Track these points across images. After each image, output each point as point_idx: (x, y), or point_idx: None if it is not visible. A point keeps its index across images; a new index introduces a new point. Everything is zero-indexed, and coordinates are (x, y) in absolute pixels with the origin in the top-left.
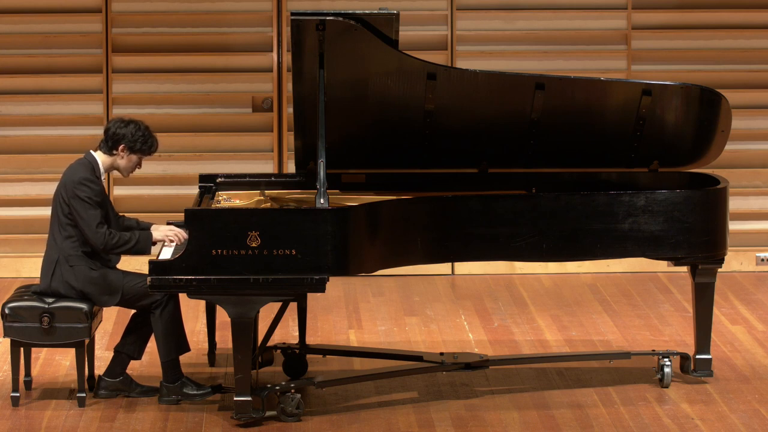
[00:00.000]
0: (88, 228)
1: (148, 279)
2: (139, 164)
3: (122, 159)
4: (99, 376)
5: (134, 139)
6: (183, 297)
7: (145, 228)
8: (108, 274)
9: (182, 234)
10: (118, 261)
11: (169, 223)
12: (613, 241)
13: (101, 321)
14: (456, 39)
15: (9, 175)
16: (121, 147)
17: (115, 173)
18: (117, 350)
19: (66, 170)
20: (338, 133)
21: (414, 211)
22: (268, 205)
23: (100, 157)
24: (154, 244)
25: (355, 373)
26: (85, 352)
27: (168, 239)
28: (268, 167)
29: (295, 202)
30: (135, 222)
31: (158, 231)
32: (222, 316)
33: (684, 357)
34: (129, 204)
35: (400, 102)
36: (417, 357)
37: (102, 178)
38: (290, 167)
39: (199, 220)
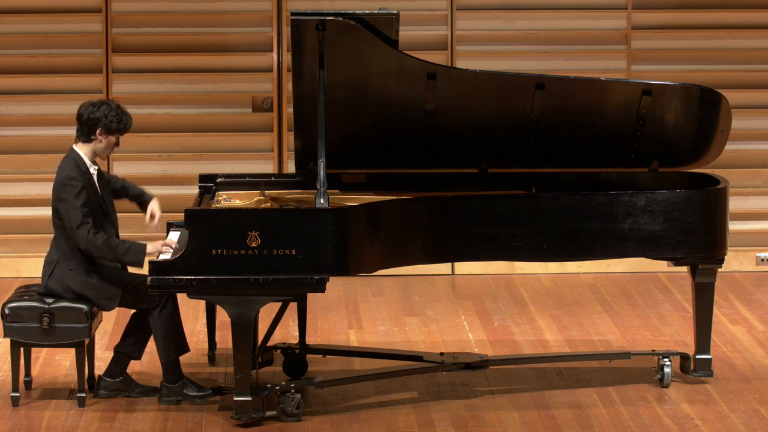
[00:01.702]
0: (70, 229)
1: (148, 279)
2: (117, 143)
3: (101, 143)
4: (99, 376)
5: (109, 120)
6: (183, 297)
7: (148, 200)
8: (107, 278)
9: (175, 244)
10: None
11: (169, 224)
12: (613, 241)
13: (101, 321)
14: (456, 39)
15: (9, 175)
16: (98, 131)
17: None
18: (117, 350)
19: (57, 170)
20: (338, 133)
21: (414, 211)
22: (268, 205)
23: (82, 149)
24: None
25: (355, 373)
26: (85, 352)
27: (161, 252)
28: (268, 167)
29: (295, 202)
30: (140, 191)
31: (152, 244)
32: (222, 316)
33: (684, 357)
34: (129, 204)
35: (400, 102)
36: (417, 357)
37: (92, 170)
38: (290, 167)
39: (199, 220)
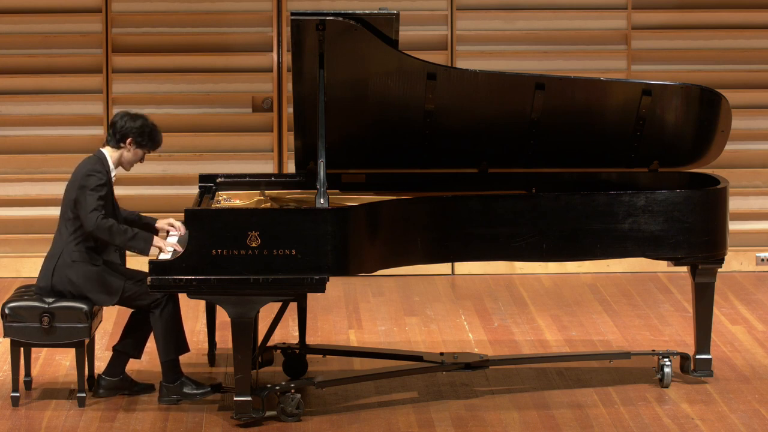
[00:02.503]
0: (83, 211)
1: (148, 279)
2: (142, 158)
3: (129, 152)
4: (98, 375)
5: (142, 133)
6: (183, 297)
7: (149, 223)
8: (109, 273)
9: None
10: (116, 259)
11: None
12: (613, 241)
13: (101, 321)
14: (456, 39)
15: (9, 175)
16: (129, 140)
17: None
18: (116, 349)
19: (76, 167)
20: (338, 133)
21: (414, 211)
22: (268, 205)
23: (109, 152)
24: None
25: (355, 373)
26: (85, 352)
27: (164, 250)
28: (268, 167)
29: (295, 202)
30: (136, 216)
31: (159, 239)
32: (222, 316)
33: (684, 357)
34: (129, 204)
35: (400, 102)
36: (417, 357)
37: (113, 174)
38: (290, 167)
39: (199, 220)
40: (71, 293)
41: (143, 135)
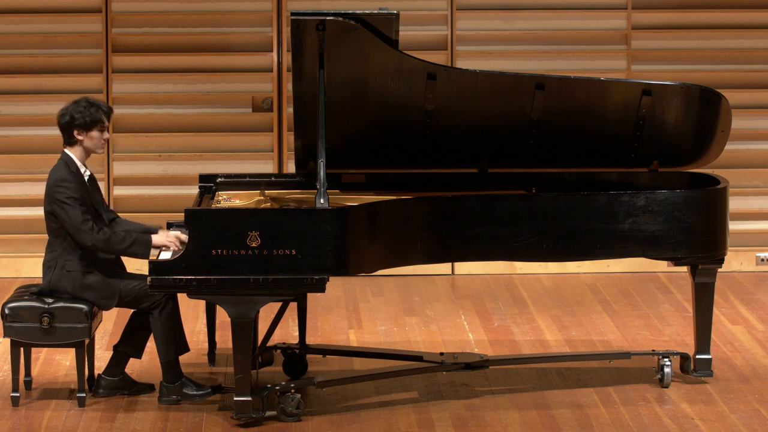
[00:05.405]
0: (73, 228)
1: (148, 279)
2: (103, 136)
3: (86, 140)
4: (98, 375)
5: (81, 117)
6: (183, 297)
7: (150, 232)
8: (105, 278)
9: (181, 238)
10: (113, 262)
11: (168, 224)
12: (613, 241)
13: (101, 321)
14: (456, 39)
15: (9, 175)
16: (75, 132)
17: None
18: (116, 349)
19: (48, 175)
20: (338, 133)
21: (414, 211)
22: (268, 205)
23: (71, 152)
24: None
25: (355, 373)
26: (85, 352)
27: (167, 246)
28: (268, 167)
29: (295, 202)
30: (139, 226)
31: (158, 237)
32: (222, 316)
33: (684, 357)
34: (129, 204)
35: (400, 102)
36: (417, 357)
37: (83, 171)
38: (290, 167)
39: (199, 220)
40: (70, 298)
41: (81, 119)
